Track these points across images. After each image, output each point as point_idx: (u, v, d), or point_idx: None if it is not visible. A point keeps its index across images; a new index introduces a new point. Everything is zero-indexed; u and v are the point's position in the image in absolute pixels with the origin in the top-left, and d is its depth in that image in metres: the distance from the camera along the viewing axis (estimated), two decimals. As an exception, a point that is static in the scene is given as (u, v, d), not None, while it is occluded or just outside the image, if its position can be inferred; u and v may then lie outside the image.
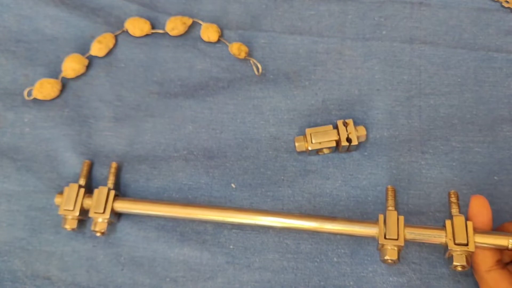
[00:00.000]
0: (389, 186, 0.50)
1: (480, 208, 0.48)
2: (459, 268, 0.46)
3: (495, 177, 0.54)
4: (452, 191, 0.49)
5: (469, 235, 0.46)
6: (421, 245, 0.52)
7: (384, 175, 0.55)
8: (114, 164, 0.54)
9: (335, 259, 0.52)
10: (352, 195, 0.54)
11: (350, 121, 0.54)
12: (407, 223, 0.48)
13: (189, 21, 0.61)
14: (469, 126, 0.56)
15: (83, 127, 0.58)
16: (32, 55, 0.61)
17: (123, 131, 0.58)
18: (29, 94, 0.58)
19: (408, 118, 0.57)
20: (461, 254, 0.46)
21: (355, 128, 0.54)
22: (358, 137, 0.54)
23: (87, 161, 0.55)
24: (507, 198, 0.54)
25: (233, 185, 0.55)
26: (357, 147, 0.55)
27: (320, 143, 0.54)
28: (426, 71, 0.59)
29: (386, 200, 0.49)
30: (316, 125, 0.57)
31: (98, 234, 0.52)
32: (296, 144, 0.55)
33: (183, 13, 0.62)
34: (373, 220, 0.49)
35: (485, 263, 0.46)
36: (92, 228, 0.52)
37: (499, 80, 0.58)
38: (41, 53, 0.61)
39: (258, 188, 0.55)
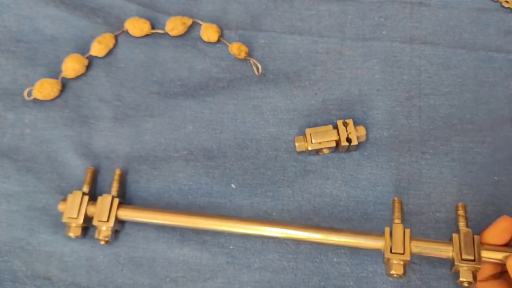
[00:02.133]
0: (395, 198, 0.50)
1: (501, 233, 0.46)
2: (466, 284, 0.45)
3: (495, 177, 0.54)
4: (460, 204, 0.49)
5: (476, 251, 0.45)
6: (421, 245, 0.52)
7: (384, 175, 0.55)
8: (118, 171, 0.54)
9: (335, 259, 0.52)
10: (352, 195, 0.54)
11: (350, 121, 0.54)
12: (412, 236, 0.47)
13: (189, 21, 0.61)
14: (469, 126, 0.56)
15: (83, 127, 0.58)
16: (32, 55, 0.61)
17: (123, 131, 0.58)
18: (29, 94, 0.58)
19: (408, 118, 0.57)
20: (468, 270, 0.45)
21: (355, 128, 0.54)
22: (358, 137, 0.54)
23: (91, 167, 0.55)
24: (507, 198, 0.54)
25: (233, 185, 0.55)
26: (357, 147, 0.55)
27: (320, 143, 0.54)
28: (426, 71, 0.59)
29: (393, 212, 0.49)
30: (316, 125, 0.57)
31: (102, 243, 0.52)
32: (296, 144, 0.55)
33: (183, 13, 0.62)
34: (378, 233, 0.48)
35: (483, 273, 0.46)
36: (96, 236, 0.51)
37: (499, 80, 0.58)
38: (41, 53, 0.61)
39: (258, 188, 0.55)
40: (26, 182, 0.55)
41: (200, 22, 0.61)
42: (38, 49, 0.61)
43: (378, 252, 0.52)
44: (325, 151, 0.55)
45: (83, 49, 0.60)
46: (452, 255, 0.46)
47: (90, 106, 0.59)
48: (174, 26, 0.60)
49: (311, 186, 0.55)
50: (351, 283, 0.51)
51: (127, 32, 0.61)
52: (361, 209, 0.54)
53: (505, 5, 0.61)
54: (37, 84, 0.58)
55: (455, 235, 0.46)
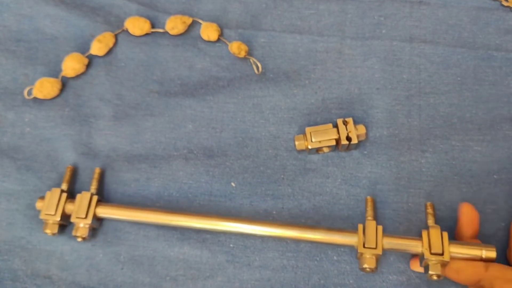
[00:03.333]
0: (368, 197, 0.52)
1: (470, 218, 0.49)
2: (434, 277, 0.47)
3: (495, 176, 0.54)
4: (429, 203, 0.51)
5: (444, 245, 0.47)
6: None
7: (384, 174, 0.55)
8: (97, 170, 0.54)
9: (335, 258, 0.52)
10: (352, 194, 0.54)
11: (350, 120, 0.54)
12: (387, 233, 0.49)
13: (189, 20, 0.61)
14: (469, 125, 0.56)
15: (83, 126, 0.58)
16: (32, 55, 0.61)
17: (123, 130, 0.58)
18: (29, 93, 0.58)
19: (408, 117, 0.57)
20: (437, 264, 0.47)
21: (355, 127, 0.54)
22: (358, 136, 0.54)
23: (70, 166, 0.55)
24: (507, 197, 0.54)
25: (233, 184, 0.55)
26: (357, 146, 0.55)
27: (320, 141, 0.54)
28: (425, 70, 0.59)
29: (366, 210, 0.51)
30: (316, 124, 0.57)
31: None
32: (296, 143, 0.55)
33: (183, 12, 0.62)
34: (352, 230, 0.50)
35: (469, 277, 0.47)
36: (74, 233, 0.52)
37: (498, 79, 0.58)
38: (41, 52, 0.61)
39: (258, 186, 0.55)
40: (26, 181, 0.56)
41: (200, 21, 0.61)
42: (38, 48, 0.61)
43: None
44: (325, 149, 0.55)
45: (83, 48, 0.61)
46: (422, 250, 0.47)
47: (90, 105, 0.59)
48: (174, 25, 0.60)
49: (311, 185, 0.55)
50: (351, 281, 0.51)
51: (127, 31, 0.61)
52: (361, 208, 0.54)
53: (505, 3, 0.61)
54: (37, 83, 0.58)
55: (424, 231, 0.48)
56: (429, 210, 0.50)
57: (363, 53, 0.60)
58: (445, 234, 0.48)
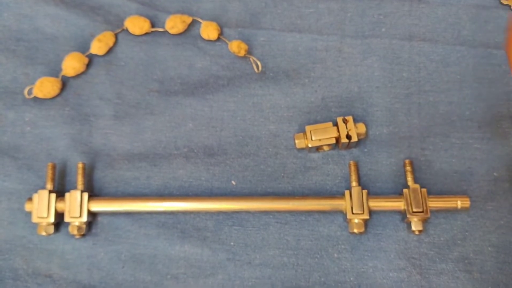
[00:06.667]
0: (351, 162, 0.53)
1: None
2: (417, 233, 0.51)
3: (495, 173, 0.55)
4: (407, 160, 0.53)
5: (424, 203, 0.51)
6: (420, 240, 0.52)
7: (384, 172, 0.55)
8: (80, 164, 0.54)
9: (335, 255, 0.52)
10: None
11: (349, 118, 0.55)
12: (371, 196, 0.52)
13: (189, 19, 0.61)
14: (468, 123, 0.57)
15: (83, 125, 0.58)
16: (32, 54, 0.61)
17: (124, 129, 0.58)
18: (30, 92, 0.58)
19: (408, 115, 0.57)
20: (418, 221, 0.51)
21: (355, 125, 0.54)
22: (358, 134, 0.54)
23: (50, 163, 0.54)
24: (507, 194, 0.54)
25: (233, 182, 0.55)
26: (357, 144, 0.55)
27: (320, 140, 0.54)
28: (425, 68, 0.59)
29: (350, 175, 0.53)
30: (316, 122, 0.57)
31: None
32: (296, 141, 0.55)
33: (182, 11, 0.62)
34: (339, 196, 0.52)
35: None
36: (70, 231, 0.52)
37: (498, 77, 0.58)
38: (41, 51, 0.61)
39: (258, 185, 0.55)
40: (26, 180, 0.56)
41: (200, 20, 0.61)
42: (38, 47, 0.61)
43: (378, 248, 0.52)
44: (325, 148, 0.56)
45: (83, 48, 0.61)
46: (404, 208, 0.51)
47: (91, 104, 0.59)
48: (174, 24, 0.60)
49: (311, 183, 0.55)
50: (351, 278, 0.52)
51: (127, 30, 0.61)
52: (361, 206, 0.54)
53: (504, 2, 0.61)
54: (38, 83, 0.58)
55: (405, 190, 0.52)
56: (408, 168, 0.53)
57: (363, 51, 0.60)
58: (424, 191, 0.51)
